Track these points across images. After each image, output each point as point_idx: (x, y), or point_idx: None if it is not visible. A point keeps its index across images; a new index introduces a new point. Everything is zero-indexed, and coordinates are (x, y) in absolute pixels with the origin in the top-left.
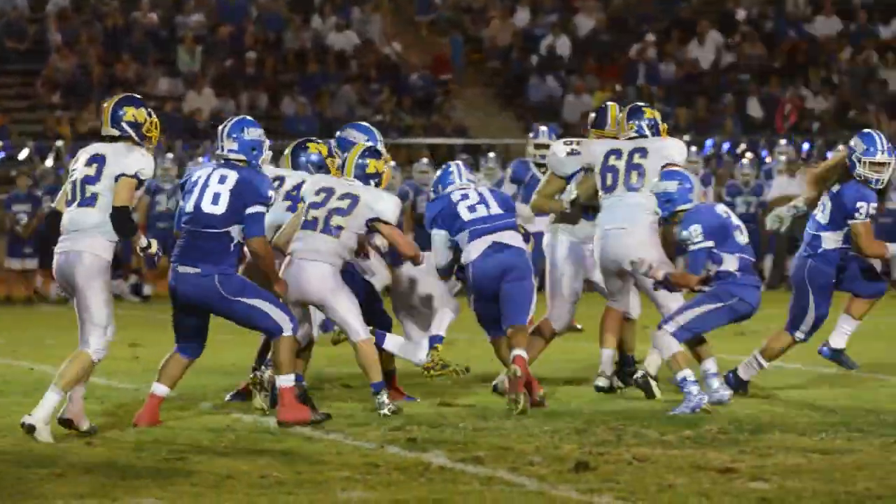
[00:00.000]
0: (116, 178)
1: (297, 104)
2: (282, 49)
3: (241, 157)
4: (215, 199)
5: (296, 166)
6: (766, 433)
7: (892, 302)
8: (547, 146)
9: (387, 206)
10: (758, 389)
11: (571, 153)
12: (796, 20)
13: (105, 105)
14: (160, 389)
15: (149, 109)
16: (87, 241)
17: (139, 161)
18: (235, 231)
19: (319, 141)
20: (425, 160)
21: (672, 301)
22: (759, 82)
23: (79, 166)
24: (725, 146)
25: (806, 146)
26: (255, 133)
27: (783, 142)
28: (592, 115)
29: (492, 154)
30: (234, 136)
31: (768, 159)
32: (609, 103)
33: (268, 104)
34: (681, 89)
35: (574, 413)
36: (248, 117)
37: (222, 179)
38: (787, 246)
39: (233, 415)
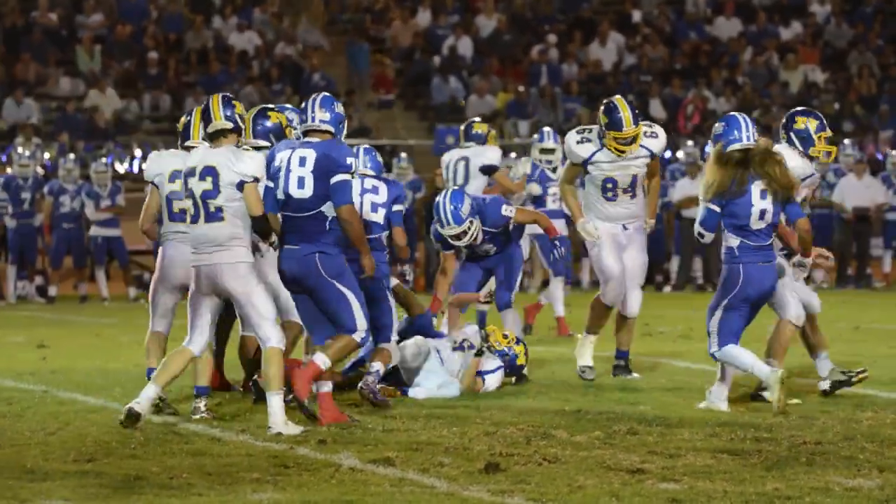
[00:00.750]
0: (238, 187)
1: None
2: (183, 49)
3: (330, 128)
4: (300, 182)
5: (255, 134)
6: (676, 434)
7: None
8: (552, 150)
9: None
10: (665, 391)
11: (582, 141)
12: (696, 21)
13: (211, 102)
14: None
15: None
16: (230, 253)
17: (250, 164)
18: (327, 208)
19: (277, 109)
20: None
21: None
22: (662, 83)
23: (193, 182)
24: None
25: (709, 147)
26: (341, 108)
27: (690, 143)
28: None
29: (404, 154)
30: (326, 108)
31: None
32: (616, 98)
33: (171, 104)
34: (584, 90)
35: (483, 414)
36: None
37: (302, 161)
38: (692, 248)
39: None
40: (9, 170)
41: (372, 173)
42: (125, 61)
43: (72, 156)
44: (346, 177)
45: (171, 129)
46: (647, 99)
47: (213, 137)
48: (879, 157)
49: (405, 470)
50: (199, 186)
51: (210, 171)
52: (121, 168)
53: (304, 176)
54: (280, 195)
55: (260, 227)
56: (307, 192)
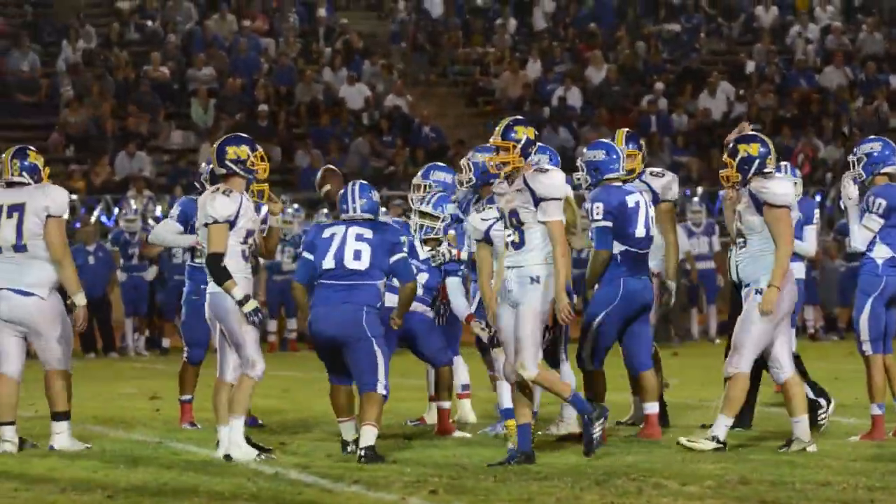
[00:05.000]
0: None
1: (311, 156)
2: (293, 102)
3: None
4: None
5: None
6: (787, 484)
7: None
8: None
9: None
10: (778, 439)
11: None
12: (806, 70)
13: (212, 147)
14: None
15: (252, 145)
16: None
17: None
18: None
19: None
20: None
21: None
22: (771, 132)
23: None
24: None
25: (818, 197)
26: None
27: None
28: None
29: None
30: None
31: None
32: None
33: (281, 157)
34: (694, 140)
35: (594, 464)
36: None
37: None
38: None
39: (251, 467)
40: (121, 223)
41: None
42: (236, 114)
43: None
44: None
45: (281, 181)
46: None
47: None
48: None
49: None
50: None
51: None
52: None
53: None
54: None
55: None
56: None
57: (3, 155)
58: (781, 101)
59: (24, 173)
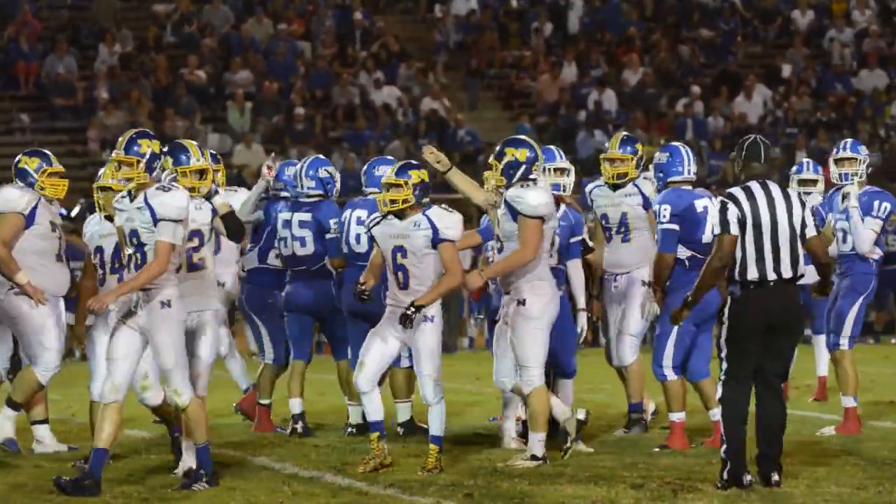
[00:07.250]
0: None
1: (347, 159)
2: (330, 105)
3: None
4: None
5: None
6: (823, 486)
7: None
8: (814, 181)
9: None
10: (808, 444)
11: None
12: (843, 74)
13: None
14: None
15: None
16: None
17: None
18: None
19: None
20: None
21: None
22: (808, 136)
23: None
24: None
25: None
26: None
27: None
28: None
29: None
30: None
31: None
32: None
33: None
34: (729, 143)
35: (629, 467)
36: None
37: None
38: None
39: (288, 470)
40: None
41: None
42: (273, 117)
43: None
44: None
45: None
46: (793, 152)
47: None
48: None
49: None
50: None
51: None
52: None
53: None
54: None
55: None
56: None
57: None
58: (817, 104)
59: (17, 179)
